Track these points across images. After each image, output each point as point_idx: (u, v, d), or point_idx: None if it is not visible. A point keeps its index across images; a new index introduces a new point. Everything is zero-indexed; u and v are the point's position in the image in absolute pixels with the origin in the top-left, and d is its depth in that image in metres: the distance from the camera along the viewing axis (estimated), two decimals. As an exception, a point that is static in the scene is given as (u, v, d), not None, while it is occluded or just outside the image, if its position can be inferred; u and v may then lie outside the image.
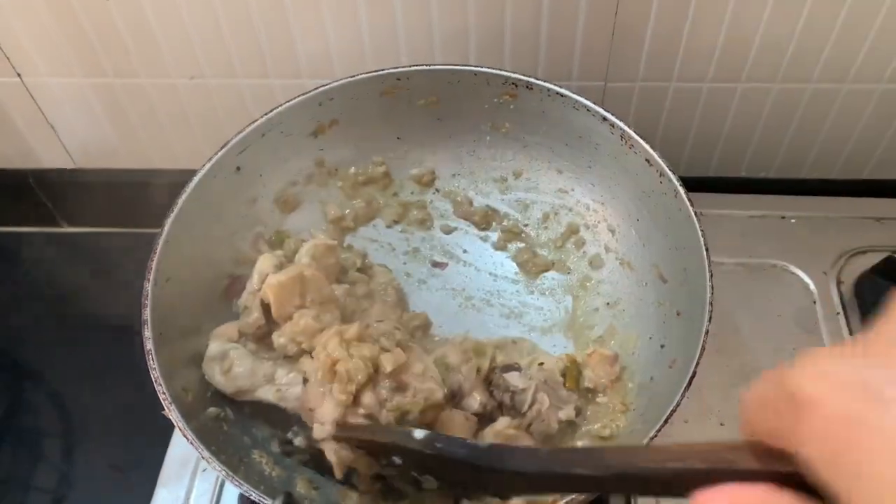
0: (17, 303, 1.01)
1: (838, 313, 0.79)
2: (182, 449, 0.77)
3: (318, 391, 0.56)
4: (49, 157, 1.01)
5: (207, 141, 0.96)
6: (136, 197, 1.03)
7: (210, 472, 0.74)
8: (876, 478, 0.22)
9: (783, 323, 0.78)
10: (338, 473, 0.56)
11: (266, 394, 0.63)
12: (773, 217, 0.87)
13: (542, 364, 0.67)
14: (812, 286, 0.81)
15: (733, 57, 0.82)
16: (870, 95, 0.84)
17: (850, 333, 0.77)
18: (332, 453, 0.56)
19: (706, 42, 0.80)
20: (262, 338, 0.65)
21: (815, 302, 0.80)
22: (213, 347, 0.65)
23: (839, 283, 0.81)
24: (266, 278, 0.64)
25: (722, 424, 0.73)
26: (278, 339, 0.62)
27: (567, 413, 0.64)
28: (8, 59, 0.87)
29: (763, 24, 0.78)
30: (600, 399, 0.67)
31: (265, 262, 0.67)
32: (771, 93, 0.85)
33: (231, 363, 0.64)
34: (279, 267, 0.67)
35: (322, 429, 0.56)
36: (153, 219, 1.03)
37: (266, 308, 0.63)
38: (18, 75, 0.89)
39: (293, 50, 0.83)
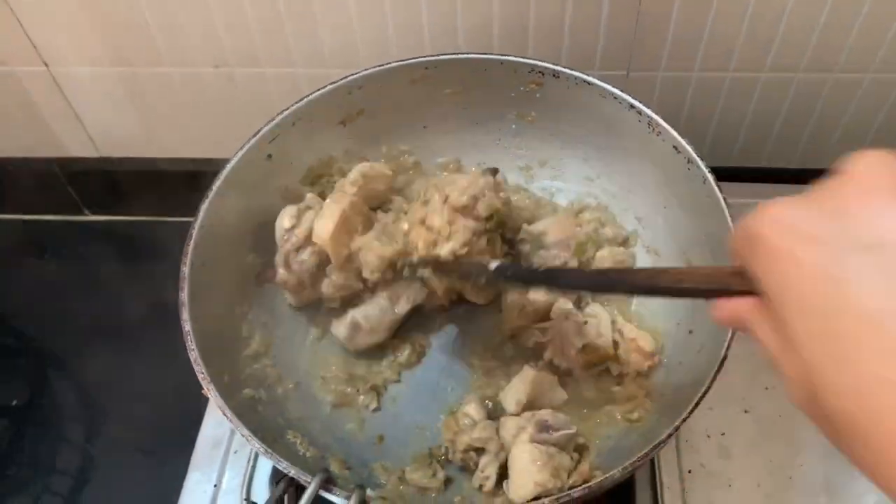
0: (42, 291, 1.02)
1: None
2: (214, 431, 0.78)
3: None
4: (74, 145, 1.02)
5: (231, 130, 0.95)
6: (160, 186, 1.05)
7: (241, 455, 0.75)
8: (793, 288, 0.32)
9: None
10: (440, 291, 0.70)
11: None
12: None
13: None
14: (834, 275, 0.81)
15: (757, 46, 0.81)
16: (892, 85, 0.84)
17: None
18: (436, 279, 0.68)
19: (730, 31, 0.80)
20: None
21: (837, 290, 0.80)
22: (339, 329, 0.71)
23: (860, 271, 0.81)
24: (307, 232, 0.69)
25: (746, 412, 0.73)
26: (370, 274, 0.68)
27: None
28: (35, 48, 0.88)
29: (787, 13, 0.78)
30: (628, 384, 0.68)
31: (284, 217, 0.70)
32: (793, 82, 0.85)
33: (361, 325, 0.71)
34: (297, 217, 0.71)
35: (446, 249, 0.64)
36: (176, 207, 1.07)
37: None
38: (45, 65, 0.90)
39: (318, 39, 0.84)
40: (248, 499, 0.73)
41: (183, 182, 1.02)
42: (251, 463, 0.75)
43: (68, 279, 1.04)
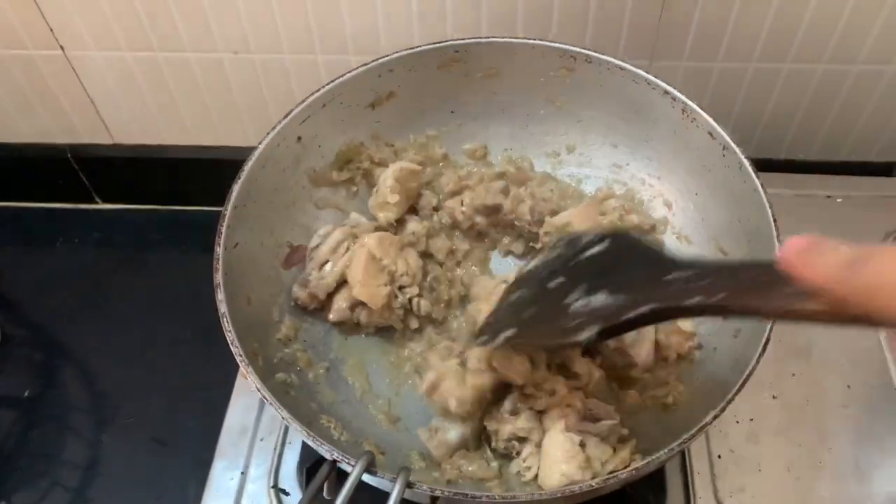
0: (53, 280, 1.01)
1: (886, 288, 0.79)
2: (239, 419, 0.77)
3: None
4: (88, 132, 1.00)
5: (250, 117, 0.96)
6: (175, 174, 1.04)
7: (268, 442, 0.75)
8: None
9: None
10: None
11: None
12: (819, 196, 0.88)
13: None
14: (858, 264, 0.81)
15: (780, 38, 0.82)
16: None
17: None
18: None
19: (754, 22, 0.81)
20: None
21: (861, 280, 0.81)
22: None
23: (886, 261, 0.81)
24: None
25: (774, 397, 0.74)
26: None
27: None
28: (52, 31, 0.87)
29: (811, 5, 0.78)
30: (659, 369, 0.67)
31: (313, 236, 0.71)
32: (815, 74, 0.85)
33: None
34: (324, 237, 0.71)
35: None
36: (192, 196, 1.06)
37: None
38: (62, 48, 0.89)
39: (340, 25, 0.83)
40: (275, 486, 0.72)
41: (199, 170, 1.03)
42: (278, 450, 0.75)
43: (80, 268, 1.02)
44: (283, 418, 0.56)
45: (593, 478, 0.58)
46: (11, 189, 1.08)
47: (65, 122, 0.99)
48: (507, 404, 0.64)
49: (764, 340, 0.56)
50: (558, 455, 0.59)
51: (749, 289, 0.44)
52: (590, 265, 0.55)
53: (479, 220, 0.76)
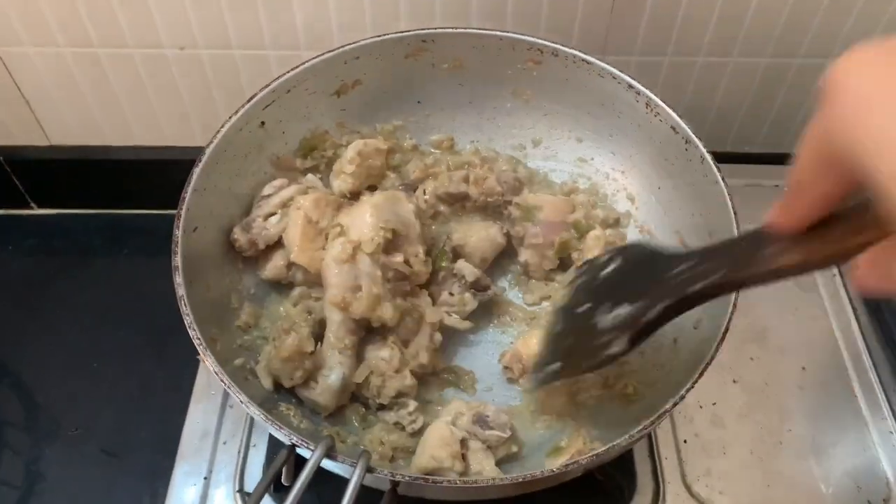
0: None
1: (834, 274, 0.84)
2: (200, 422, 0.74)
3: None
4: (22, 133, 0.95)
5: (198, 116, 0.93)
6: (115, 176, 0.99)
7: (231, 445, 0.72)
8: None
9: (784, 284, 0.80)
10: None
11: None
12: (767, 186, 0.91)
13: None
14: (808, 249, 0.85)
15: (727, 32, 0.85)
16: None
17: (847, 293, 0.82)
18: None
19: (701, 17, 0.83)
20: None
21: (811, 264, 0.85)
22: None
23: (833, 245, 0.86)
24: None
25: (735, 381, 0.76)
26: None
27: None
28: (-17, 28, 0.82)
29: (755, 0, 0.81)
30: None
31: (267, 186, 0.71)
32: (760, 67, 0.89)
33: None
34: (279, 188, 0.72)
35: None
36: (134, 199, 1.02)
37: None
38: (-7, 45, 0.84)
39: (291, 19, 0.82)
40: (240, 490, 0.69)
41: (143, 172, 0.98)
42: (242, 453, 0.72)
43: (14, 277, 0.96)
44: (241, 402, 0.54)
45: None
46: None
47: (-3, 124, 0.94)
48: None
49: (723, 330, 0.58)
50: (435, 439, 0.62)
51: (742, 260, 0.46)
52: (609, 283, 0.58)
53: (443, 208, 0.76)
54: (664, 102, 0.69)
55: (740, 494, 0.69)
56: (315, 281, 0.69)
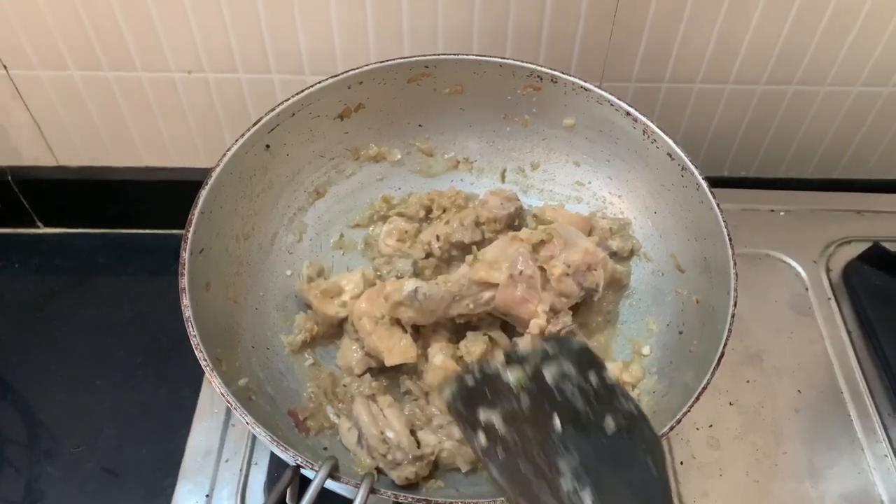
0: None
1: (829, 298, 0.85)
2: (203, 440, 0.74)
3: None
4: (30, 154, 0.97)
5: (203, 138, 0.95)
6: (122, 197, 1.01)
7: (234, 463, 0.72)
8: None
9: (780, 308, 0.84)
10: None
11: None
12: (763, 210, 0.93)
13: None
14: (803, 274, 0.87)
15: (722, 60, 0.87)
16: (846, 98, 0.91)
17: (842, 317, 0.83)
18: None
19: (698, 45, 0.85)
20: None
21: (807, 289, 0.86)
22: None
23: (828, 270, 0.87)
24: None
25: (731, 404, 0.76)
26: None
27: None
28: (-6, 49, 0.84)
29: (751, 29, 0.84)
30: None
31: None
32: (755, 94, 0.91)
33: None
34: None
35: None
36: (140, 220, 1.03)
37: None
38: (4, 67, 0.86)
39: (296, 45, 0.84)
40: (241, 507, 0.70)
41: (149, 193, 1.00)
42: (244, 471, 0.72)
43: (20, 295, 0.97)
44: (246, 423, 0.54)
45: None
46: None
47: (6, 144, 0.95)
48: None
49: (719, 354, 0.60)
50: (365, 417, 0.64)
51: None
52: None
53: (455, 253, 0.77)
54: (661, 129, 0.71)
55: (737, 516, 0.69)
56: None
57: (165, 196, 0.81)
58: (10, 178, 0.98)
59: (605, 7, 0.81)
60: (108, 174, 0.98)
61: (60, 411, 0.86)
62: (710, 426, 0.75)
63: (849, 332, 0.82)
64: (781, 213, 0.93)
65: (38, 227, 1.04)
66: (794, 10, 0.82)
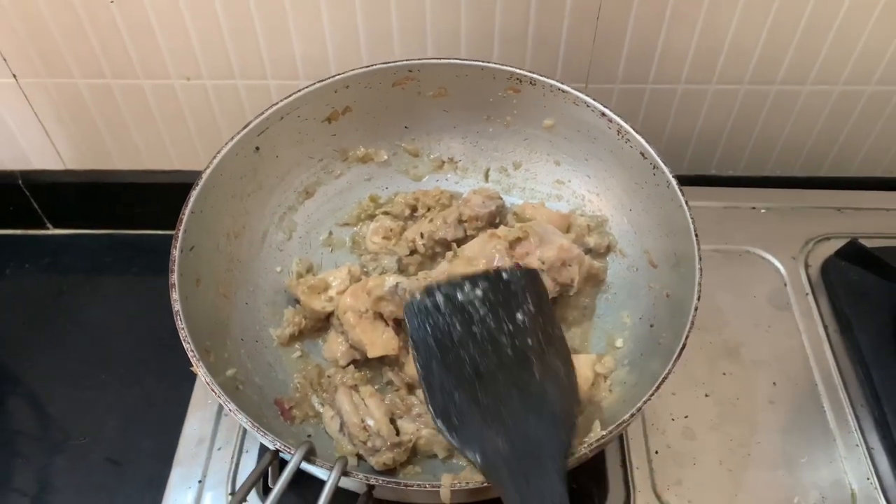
0: (3, 307, 1.00)
1: (807, 293, 0.87)
2: (197, 429, 0.78)
3: None
4: (39, 158, 1.01)
5: (203, 142, 0.98)
6: (127, 199, 1.05)
7: (225, 451, 0.76)
8: None
9: (758, 303, 0.85)
10: None
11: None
12: (744, 208, 0.95)
13: None
14: (782, 269, 0.89)
15: (705, 60, 0.89)
16: (828, 97, 0.93)
17: (819, 311, 0.85)
18: None
19: (680, 46, 0.87)
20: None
21: (786, 284, 0.87)
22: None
23: (807, 266, 0.89)
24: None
25: (707, 395, 0.78)
26: None
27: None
28: (4, 59, 0.88)
29: (732, 30, 0.85)
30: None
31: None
32: (739, 93, 0.93)
33: None
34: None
35: None
36: (144, 220, 1.07)
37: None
38: (14, 76, 0.90)
39: (290, 50, 0.87)
40: (232, 492, 0.73)
41: (151, 194, 1.03)
42: (235, 458, 0.75)
43: (30, 294, 1.01)
44: (228, 409, 0.57)
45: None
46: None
47: (16, 149, 0.99)
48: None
49: (681, 346, 0.61)
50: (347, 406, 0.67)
51: None
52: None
53: (439, 249, 0.79)
54: (640, 129, 0.73)
55: (708, 503, 0.71)
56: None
57: (166, 198, 0.84)
58: (20, 181, 1.02)
59: (587, 9, 0.83)
60: (112, 177, 1.02)
61: (68, 404, 0.90)
62: (686, 417, 0.77)
63: (825, 327, 0.83)
64: (762, 211, 0.95)
65: (47, 228, 1.08)
66: (773, 10, 0.83)
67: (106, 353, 0.94)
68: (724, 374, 0.79)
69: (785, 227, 0.92)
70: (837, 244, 0.89)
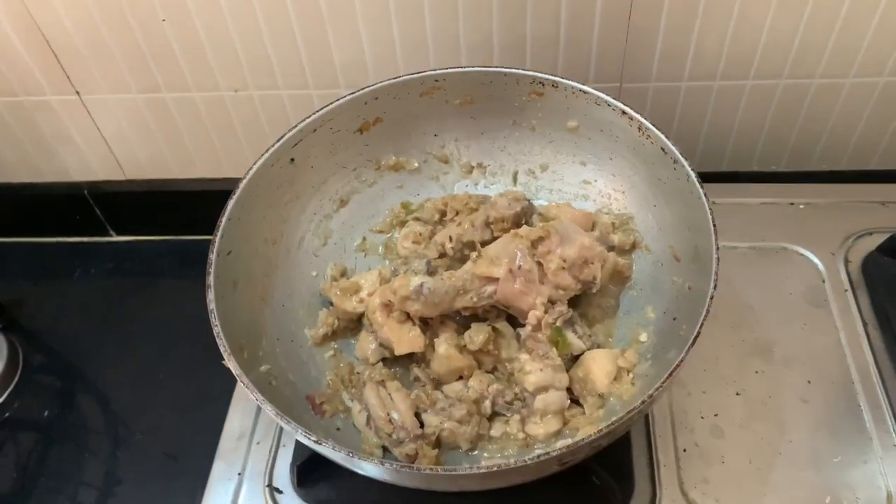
0: (68, 309, 1.07)
1: (846, 290, 0.84)
2: (238, 424, 0.82)
3: None
4: (102, 169, 1.08)
5: (251, 149, 1.03)
6: (183, 205, 1.11)
7: (264, 445, 0.80)
8: None
9: (794, 300, 0.84)
10: None
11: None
12: (782, 204, 0.93)
13: None
14: (821, 266, 0.87)
15: (741, 55, 0.88)
16: (873, 88, 0.90)
17: (858, 308, 0.82)
18: None
19: (715, 42, 0.86)
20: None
21: (824, 281, 0.85)
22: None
23: (847, 262, 0.86)
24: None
25: (738, 394, 0.77)
26: None
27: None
28: (68, 77, 0.94)
29: (768, 23, 0.84)
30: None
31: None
32: (777, 88, 0.91)
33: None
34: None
35: None
36: (199, 226, 1.12)
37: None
38: (77, 93, 0.97)
39: (331, 62, 0.91)
40: (269, 485, 0.77)
41: (205, 201, 1.07)
42: (273, 452, 0.79)
43: (95, 297, 1.08)
44: (255, 399, 0.61)
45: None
46: (32, 225, 1.15)
47: (81, 162, 1.06)
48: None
49: (695, 334, 0.61)
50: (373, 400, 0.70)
51: None
52: None
53: (467, 252, 0.80)
54: (677, 127, 0.73)
55: (735, 502, 0.70)
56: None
57: (220, 204, 0.89)
58: (86, 192, 1.10)
59: (619, 11, 0.84)
60: (169, 185, 1.09)
61: (129, 401, 0.95)
62: (716, 415, 0.76)
63: (864, 323, 0.81)
64: (801, 206, 0.93)
65: (110, 235, 1.16)
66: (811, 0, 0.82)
67: (164, 353, 0.99)
68: (756, 372, 0.78)
69: (824, 223, 0.90)
70: (879, 239, 0.86)
